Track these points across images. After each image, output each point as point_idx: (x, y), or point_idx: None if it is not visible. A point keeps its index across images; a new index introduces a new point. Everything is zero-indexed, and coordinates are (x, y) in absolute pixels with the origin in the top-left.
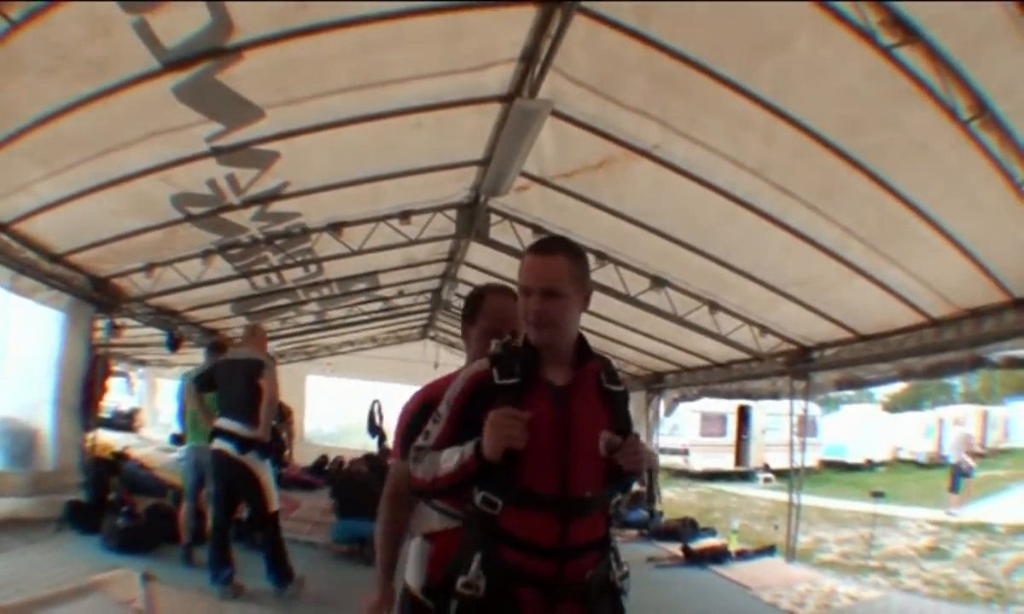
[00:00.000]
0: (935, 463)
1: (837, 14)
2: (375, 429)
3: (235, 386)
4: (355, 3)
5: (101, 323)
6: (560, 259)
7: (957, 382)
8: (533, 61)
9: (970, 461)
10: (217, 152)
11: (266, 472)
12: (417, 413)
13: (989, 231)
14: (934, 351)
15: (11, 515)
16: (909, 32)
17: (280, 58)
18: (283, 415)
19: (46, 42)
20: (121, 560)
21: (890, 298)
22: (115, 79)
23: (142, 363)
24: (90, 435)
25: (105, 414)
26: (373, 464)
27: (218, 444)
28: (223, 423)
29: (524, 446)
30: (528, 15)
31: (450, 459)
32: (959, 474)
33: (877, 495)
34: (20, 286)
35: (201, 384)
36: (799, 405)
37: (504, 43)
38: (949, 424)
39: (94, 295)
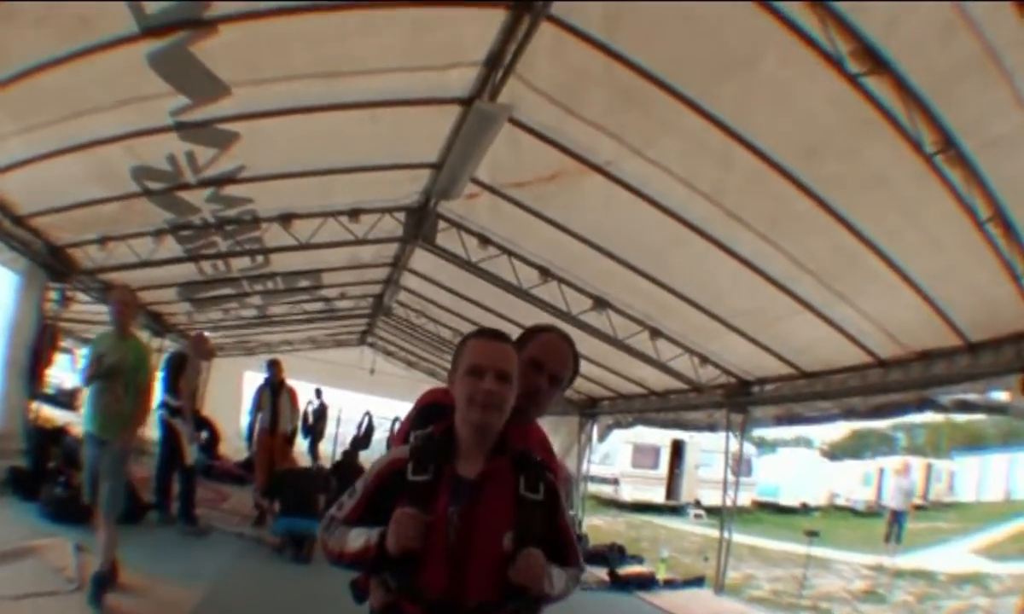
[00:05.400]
0: (872, 512)
1: (806, 37)
2: (309, 429)
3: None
4: None
5: (53, 292)
6: (510, 348)
7: (900, 434)
8: (496, 65)
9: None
10: (180, 127)
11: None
12: (420, 414)
13: (946, 270)
14: (880, 391)
15: None
16: (878, 62)
17: (252, 35)
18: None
19: None
20: (57, 529)
21: (837, 335)
22: (96, 39)
23: (88, 342)
24: (34, 404)
25: (48, 390)
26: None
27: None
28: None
29: (420, 548)
30: (497, 17)
31: (357, 539)
32: (899, 521)
33: (812, 534)
34: None
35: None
36: (734, 441)
37: (470, 44)
38: (889, 474)
39: (49, 261)
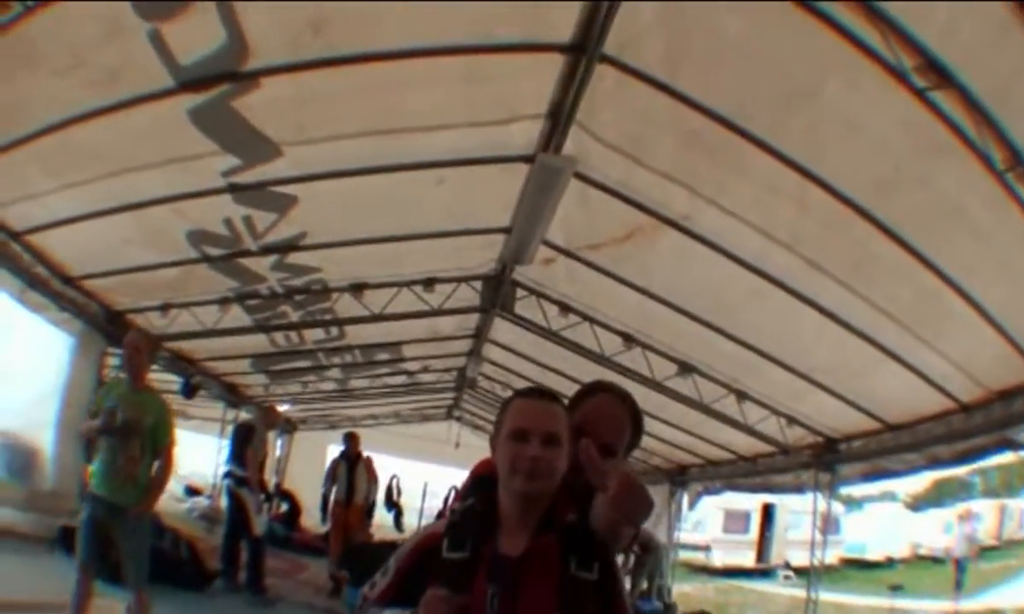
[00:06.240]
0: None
1: (868, 51)
2: (392, 504)
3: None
4: (372, 36)
5: (113, 358)
6: (558, 408)
7: (977, 479)
8: (558, 116)
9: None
10: (233, 189)
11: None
12: (471, 487)
13: (1019, 298)
14: (962, 438)
15: (6, 527)
16: (943, 76)
17: (297, 91)
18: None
19: (60, 39)
20: (110, 591)
21: (920, 383)
22: (129, 92)
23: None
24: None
25: None
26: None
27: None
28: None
29: None
30: (554, 64)
31: None
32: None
33: (895, 588)
34: (29, 300)
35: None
36: (822, 500)
37: (529, 95)
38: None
39: (107, 328)
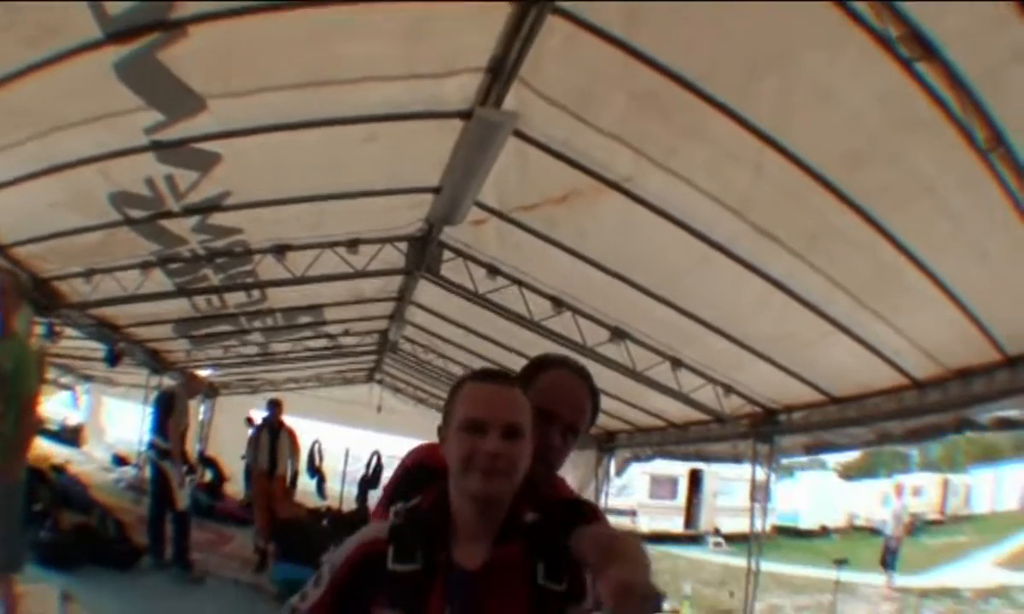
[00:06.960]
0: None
1: (851, 14)
2: (314, 469)
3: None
4: None
5: (40, 327)
6: (519, 393)
7: (914, 451)
8: (500, 71)
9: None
10: (156, 146)
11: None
12: (404, 480)
13: (990, 280)
14: (915, 415)
15: None
16: (928, 50)
17: (224, 40)
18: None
19: None
20: (43, 574)
21: (871, 357)
22: (61, 46)
23: (89, 379)
24: None
25: (52, 426)
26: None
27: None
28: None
29: None
30: (500, 14)
31: None
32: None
33: (840, 562)
34: None
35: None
36: (761, 470)
37: (472, 48)
38: (909, 493)
39: (33, 295)
